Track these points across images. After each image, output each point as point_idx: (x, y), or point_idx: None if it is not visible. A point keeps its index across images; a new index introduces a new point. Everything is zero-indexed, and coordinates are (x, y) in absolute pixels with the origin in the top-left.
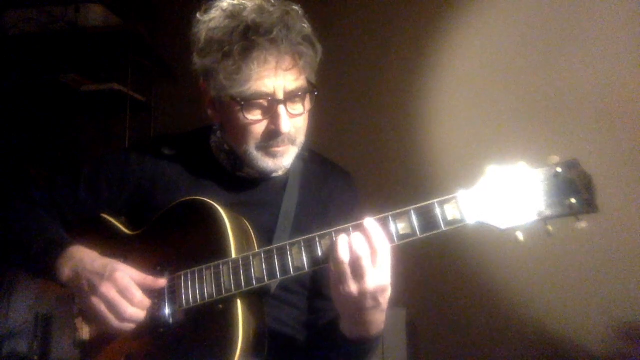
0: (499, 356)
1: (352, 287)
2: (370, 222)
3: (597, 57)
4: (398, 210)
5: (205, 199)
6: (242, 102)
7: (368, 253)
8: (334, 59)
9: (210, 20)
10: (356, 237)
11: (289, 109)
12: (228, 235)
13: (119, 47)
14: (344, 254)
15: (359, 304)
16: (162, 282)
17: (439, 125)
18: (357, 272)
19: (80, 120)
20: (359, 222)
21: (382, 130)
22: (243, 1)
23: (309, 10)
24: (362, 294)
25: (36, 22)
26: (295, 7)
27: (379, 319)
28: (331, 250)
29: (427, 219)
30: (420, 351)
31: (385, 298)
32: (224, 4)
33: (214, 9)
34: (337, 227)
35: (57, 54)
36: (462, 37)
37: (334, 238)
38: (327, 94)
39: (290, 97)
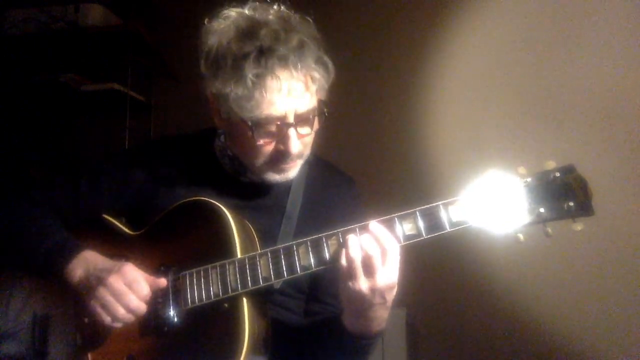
0: (499, 356)
1: (363, 284)
2: (377, 223)
3: (597, 59)
4: (404, 212)
5: (209, 200)
6: (253, 127)
7: (379, 252)
8: (336, 62)
9: (222, 34)
10: (367, 237)
11: (299, 130)
12: (233, 235)
13: (119, 47)
14: (356, 253)
15: (368, 302)
16: (163, 281)
17: (440, 130)
18: (369, 270)
19: (80, 120)
20: (367, 222)
21: (384, 134)
22: (258, 16)
23: (309, 13)
24: (372, 291)
25: (36, 22)
26: (308, 19)
27: (382, 316)
28: (343, 249)
29: (433, 221)
30: (420, 351)
31: (391, 296)
32: (233, 14)
33: (223, 18)
34: (345, 228)
35: (57, 54)
36: (463, 41)
37: (340, 239)
38: (330, 97)
39: (300, 120)
